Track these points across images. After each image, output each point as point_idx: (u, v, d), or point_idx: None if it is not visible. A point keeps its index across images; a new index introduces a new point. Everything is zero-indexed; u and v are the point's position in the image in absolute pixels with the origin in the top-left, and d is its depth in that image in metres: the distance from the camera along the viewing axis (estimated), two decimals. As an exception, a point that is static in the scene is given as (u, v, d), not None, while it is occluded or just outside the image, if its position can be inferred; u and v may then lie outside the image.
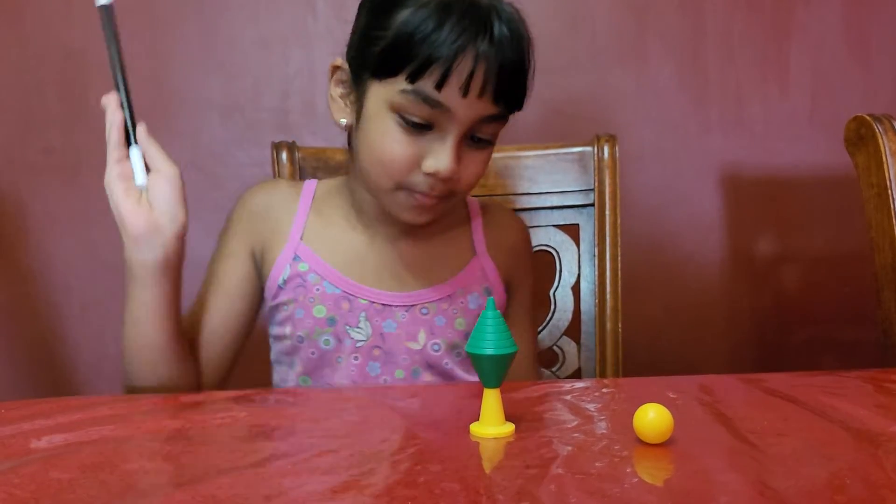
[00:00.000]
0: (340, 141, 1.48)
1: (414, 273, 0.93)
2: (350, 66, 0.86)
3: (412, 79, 0.78)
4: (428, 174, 0.81)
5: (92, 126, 1.48)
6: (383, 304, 0.91)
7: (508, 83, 0.79)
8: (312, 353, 0.92)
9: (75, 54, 1.47)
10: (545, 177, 1.19)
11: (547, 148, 1.19)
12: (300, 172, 1.16)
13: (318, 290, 0.91)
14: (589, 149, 1.18)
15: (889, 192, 0.96)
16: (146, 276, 0.84)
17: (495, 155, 1.16)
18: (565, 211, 1.19)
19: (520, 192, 1.19)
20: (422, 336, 0.92)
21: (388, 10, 0.79)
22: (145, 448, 0.61)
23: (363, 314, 0.91)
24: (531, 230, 1.14)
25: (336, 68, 0.88)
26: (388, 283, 0.93)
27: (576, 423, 0.65)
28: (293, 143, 1.17)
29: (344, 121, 0.89)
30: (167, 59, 1.49)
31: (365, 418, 0.68)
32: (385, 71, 0.80)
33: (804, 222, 1.58)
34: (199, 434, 0.64)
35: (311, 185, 0.98)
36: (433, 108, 0.78)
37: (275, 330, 0.96)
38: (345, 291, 0.91)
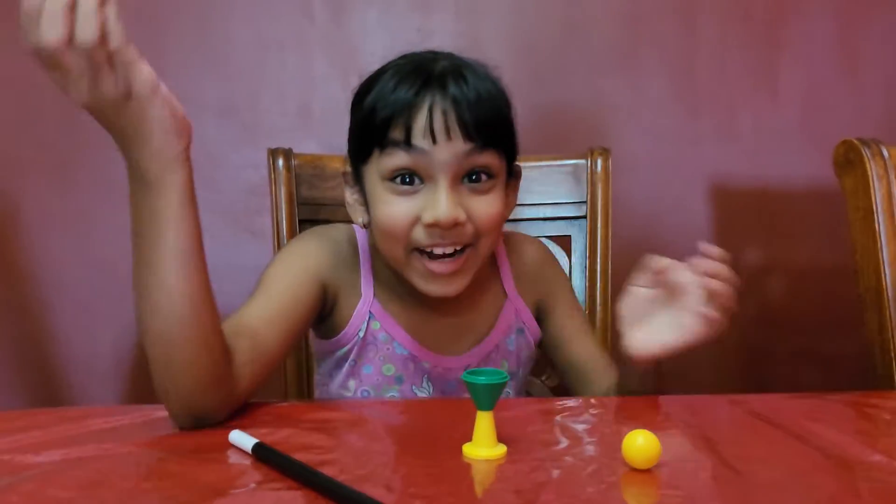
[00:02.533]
0: (336, 148, 1.49)
1: (465, 334, 0.96)
2: (350, 166, 0.91)
3: (382, 140, 0.82)
4: (430, 226, 0.81)
5: (88, 124, 1.48)
6: (444, 368, 0.95)
7: (473, 117, 0.80)
8: None
9: (71, 52, 1.47)
10: (539, 188, 1.20)
11: (541, 160, 1.21)
12: (296, 180, 1.17)
13: (388, 349, 0.93)
14: (582, 161, 1.20)
15: (875, 215, 0.98)
16: (179, 164, 0.69)
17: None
18: (558, 222, 1.21)
19: (513, 203, 1.20)
20: None
21: (360, 101, 0.86)
22: (143, 465, 0.61)
23: (426, 376, 0.95)
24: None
25: (345, 174, 0.93)
26: (446, 347, 0.95)
27: (566, 445, 0.66)
28: (289, 150, 1.18)
29: (361, 220, 0.91)
30: (163, 58, 1.49)
31: (359, 437, 0.69)
32: (366, 150, 0.85)
33: (791, 235, 1.60)
34: (195, 451, 0.65)
35: (361, 234, 0.96)
36: (412, 156, 0.81)
37: (334, 380, 0.96)
38: (411, 353, 0.93)
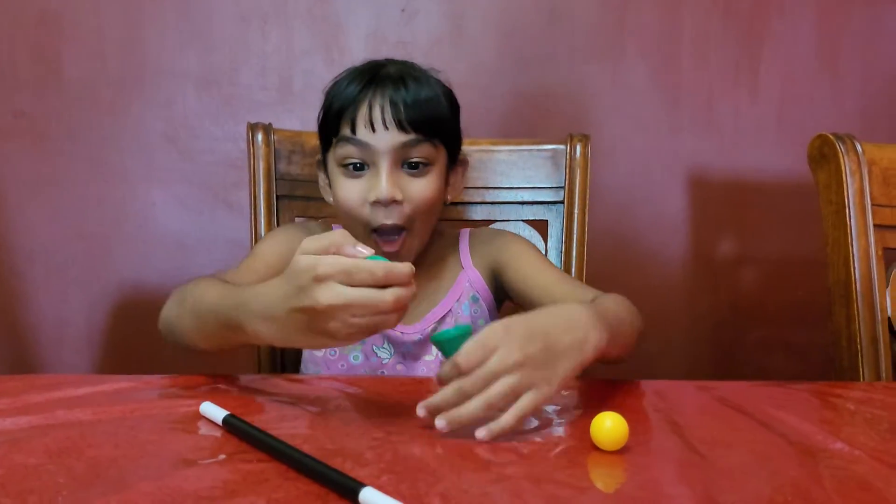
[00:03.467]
0: (315, 123, 1.49)
1: (422, 303, 1.04)
2: (321, 154, 1.03)
3: (336, 132, 0.96)
4: (374, 203, 0.94)
5: (64, 91, 1.47)
6: (401, 331, 1.03)
7: (407, 114, 0.93)
8: (342, 366, 1.04)
9: (49, 17, 1.45)
10: (518, 172, 1.20)
11: (520, 144, 1.21)
12: (275, 155, 1.16)
13: None
14: (562, 147, 1.20)
15: (847, 210, 0.99)
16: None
17: (469, 148, 1.18)
18: (535, 207, 1.21)
19: (492, 185, 1.21)
20: (434, 349, 1.03)
21: (326, 96, 0.99)
22: (112, 434, 0.61)
23: (386, 339, 1.03)
24: (501, 224, 1.19)
25: (318, 161, 1.05)
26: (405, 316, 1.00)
27: (535, 425, 0.67)
28: (269, 125, 1.17)
29: (330, 199, 1.03)
30: (143, 26, 1.47)
31: (330, 413, 0.69)
32: (326, 140, 0.99)
33: (765, 226, 1.62)
34: (166, 422, 0.65)
35: (337, 227, 1.06)
36: (356, 146, 0.94)
37: None
38: None
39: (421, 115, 0.94)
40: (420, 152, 0.95)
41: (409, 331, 1.03)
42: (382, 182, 0.93)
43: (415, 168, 0.96)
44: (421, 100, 0.95)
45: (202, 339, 0.80)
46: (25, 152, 1.47)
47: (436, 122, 0.96)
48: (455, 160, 1.04)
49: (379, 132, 0.93)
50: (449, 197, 1.04)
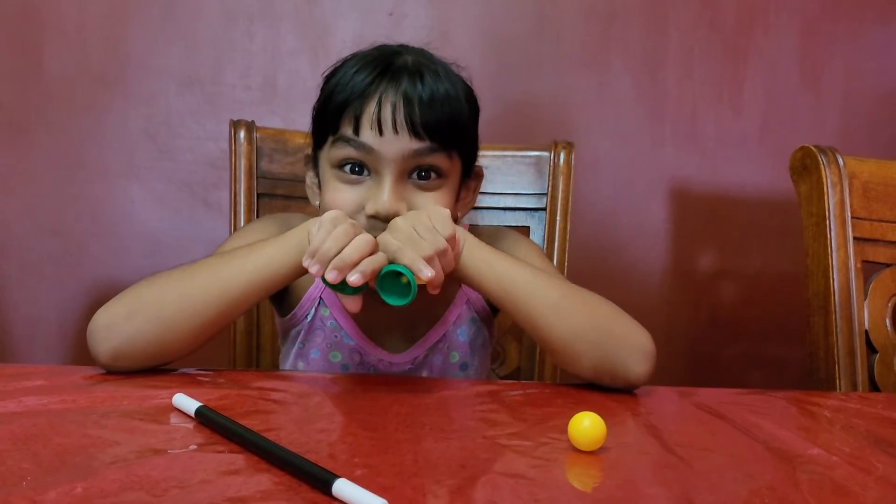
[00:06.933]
0: (299, 124, 1.48)
1: (414, 326, 0.95)
2: (311, 149, 0.91)
3: (334, 129, 0.83)
4: (371, 217, 0.82)
5: (43, 84, 1.45)
6: (390, 362, 0.95)
7: (423, 116, 0.81)
8: None
9: (31, 9, 1.43)
10: (501, 178, 1.20)
11: (504, 149, 1.21)
12: (257, 153, 1.15)
13: (336, 336, 0.94)
14: (546, 154, 1.20)
15: (827, 222, 1.00)
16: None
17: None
18: (517, 213, 1.21)
19: (474, 190, 1.20)
20: (424, 374, 0.96)
21: (325, 83, 0.87)
22: (80, 422, 0.60)
23: (372, 368, 0.95)
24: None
25: (307, 157, 0.93)
26: (394, 343, 0.95)
27: (514, 425, 0.66)
28: (252, 122, 1.16)
29: (317, 203, 0.91)
30: (127, 21, 1.46)
31: (305, 407, 0.68)
32: (321, 135, 0.86)
33: (745, 241, 1.63)
34: (136, 412, 0.64)
35: None
36: (357, 149, 0.82)
37: (288, 359, 0.99)
38: (358, 345, 0.94)
39: (438, 118, 0.81)
40: (432, 161, 0.82)
41: (398, 360, 0.94)
42: (385, 194, 0.80)
43: (425, 179, 0.83)
44: (439, 98, 0.81)
45: (217, 311, 0.78)
46: (1, 145, 1.45)
47: (454, 128, 0.83)
48: (469, 172, 0.91)
49: (387, 136, 0.80)
50: (458, 214, 0.92)
